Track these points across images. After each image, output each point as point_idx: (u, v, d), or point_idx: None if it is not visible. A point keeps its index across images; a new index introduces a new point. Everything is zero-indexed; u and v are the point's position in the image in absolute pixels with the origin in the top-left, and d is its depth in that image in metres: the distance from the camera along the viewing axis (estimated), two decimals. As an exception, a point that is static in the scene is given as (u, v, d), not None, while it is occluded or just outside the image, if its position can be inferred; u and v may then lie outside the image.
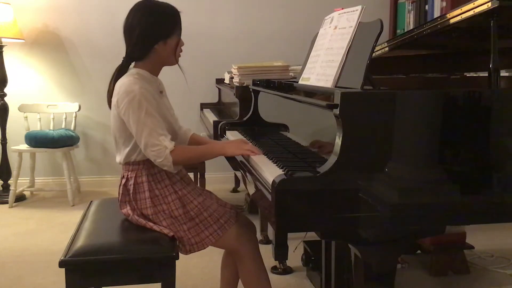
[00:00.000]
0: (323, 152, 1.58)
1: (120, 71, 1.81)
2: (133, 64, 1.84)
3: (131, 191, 1.80)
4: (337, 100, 1.31)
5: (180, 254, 1.73)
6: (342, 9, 1.81)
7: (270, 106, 2.31)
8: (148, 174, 1.80)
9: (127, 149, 1.80)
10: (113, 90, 1.78)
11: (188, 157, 1.81)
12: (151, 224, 1.77)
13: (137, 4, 1.81)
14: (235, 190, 4.34)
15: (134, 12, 1.78)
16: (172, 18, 1.81)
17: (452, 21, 1.61)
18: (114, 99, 1.76)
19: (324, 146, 1.63)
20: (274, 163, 1.59)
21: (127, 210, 1.82)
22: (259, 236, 2.46)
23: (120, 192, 1.84)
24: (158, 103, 1.77)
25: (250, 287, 1.86)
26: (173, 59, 1.84)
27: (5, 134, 4.09)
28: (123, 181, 1.83)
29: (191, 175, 3.45)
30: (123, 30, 1.80)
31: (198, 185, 3.17)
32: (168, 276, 1.67)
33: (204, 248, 1.80)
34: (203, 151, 1.87)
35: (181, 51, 1.87)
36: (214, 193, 1.95)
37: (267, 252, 2.49)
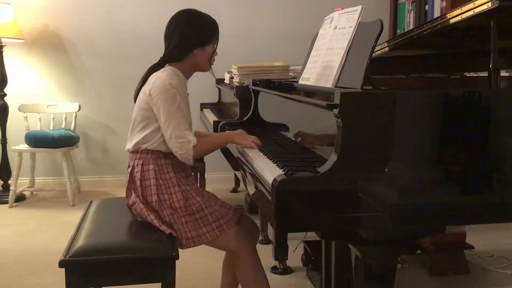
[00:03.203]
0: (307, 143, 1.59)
1: (153, 70, 1.90)
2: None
3: (137, 178, 1.83)
4: (337, 100, 1.31)
5: (180, 254, 1.73)
6: (342, 9, 1.81)
7: (270, 106, 2.31)
8: (155, 164, 1.84)
9: (144, 134, 1.84)
10: (144, 82, 1.87)
11: (206, 150, 1.92)
12: (151, 217, 1.78)
13: (180, 11, 1.92)
14: (235, 190, 4.34)
15: (178, 18, 1.91)
16: (212, 28, 1.93)
17: (452, 21, 1.61)
18: (146, 87, 1.84)
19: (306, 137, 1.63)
20: (274, 163, 1.59)
21: (132, 198, 1.85)
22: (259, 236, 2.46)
23: (127, 180, 1.88)
24: (186, 102, 1.88)
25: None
26: (207, 65, 1.96)
27: (5, 134, 4.09)
28: (129, 169, 1.88)
29: (191, 175, 3.45)
30: (164, 34, 1.91)
31: (198, 185, 3.18)
32: (168, 276, 1.68)
33: (200, 244, 1.81)
34: (216, 142, 1.99)
35: (214, 60, 1.97)
36: (214, 193, 1.97)
37: (267, 252, 2.49)
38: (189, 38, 1.87)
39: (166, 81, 1.79)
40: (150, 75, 1.88)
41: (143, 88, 1.86)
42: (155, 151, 1.84)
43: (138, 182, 1.83)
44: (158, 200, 1.81)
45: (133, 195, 1.85)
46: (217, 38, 1.94)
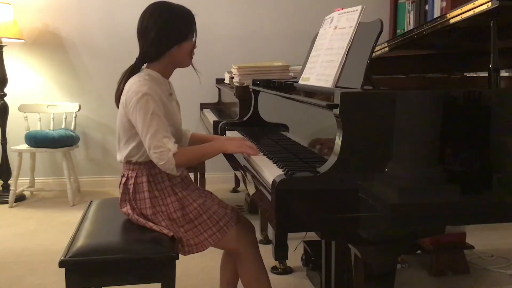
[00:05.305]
0: (325, 150, 1.58)
1: (132, 72, 1.80)
2: (145, 65, 1.84)
3: (131, 191, 1.80)
4: (337, 100, 1.31)
5: (180, 254, 1.73)
6: (342, 9, 1.81)
7: (270, 106, 2.31)
8: (149, 174, 1.79)
9: (129, 149, 1.80)
10: (123, 89, 1.78)
11: (191, 159, 1.79)
12: (150, 224, 1.77)
13: (152, 5, 1.80)
14: (235, 190, 4.34)
15: (150, 14, 1.78)
16: (187, 21, 1.80)
17: (452, 21, 1.61)
18: (123, 98, 1.76)
19: (325, 143, 1.63)
20: (274, 163, 1.59)
21: (127, 209, 1.81)
22: (259, 236, 2.46)
23: (120, 190, 1.84)
24: (165, 105, 1.77)
25: (250, 287, 1.86)
26: (187, 61, 1.84)
27: (5, 134, 4.09)
28: (123, 179, 1.83)
29: (191, 175, 3.45)
30: (137, 31, 1.79)
31: (198, 185, 3.17)
32: (168, 276, 1.67)
33: (204, 249, 1.79)
34: (205, 150, 1.83)
35: (194, 53, 1.86)
36: (214, 193, 1.95)
37: (267, 252, 2.49)
38: (164, 37, 1.75)
39: (137, 89, 1.69)
40: (127, 79, 1.78)
41: (122, 99, 1.77)
42: (147, 162, 1.78)
43: (132, 195, 1.79)
44: (154, 212, 1.77)
45: (128, 206, 1.81)
46: (195, 30, 1.81)
